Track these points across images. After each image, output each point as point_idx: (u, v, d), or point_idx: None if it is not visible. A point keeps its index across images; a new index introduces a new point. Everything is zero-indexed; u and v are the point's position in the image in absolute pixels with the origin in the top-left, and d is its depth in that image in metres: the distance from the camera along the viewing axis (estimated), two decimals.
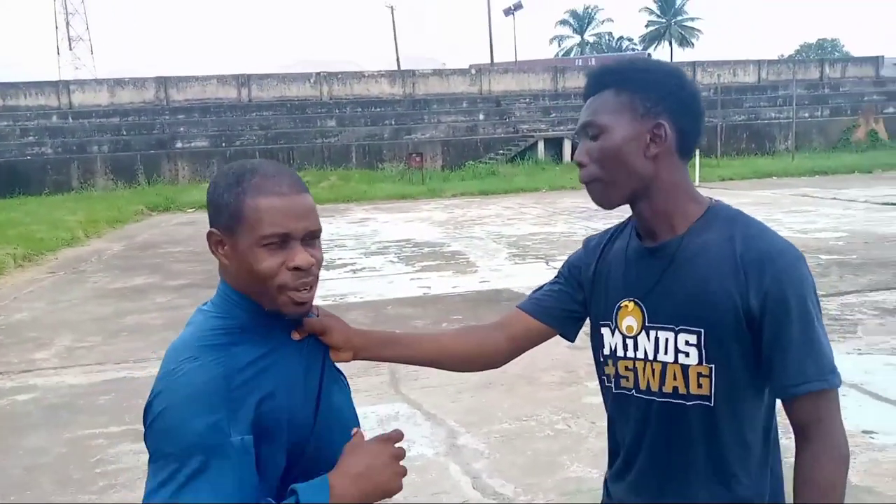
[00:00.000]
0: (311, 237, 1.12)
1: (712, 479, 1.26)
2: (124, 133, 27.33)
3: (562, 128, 28.72)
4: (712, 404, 1.23)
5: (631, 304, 1.30)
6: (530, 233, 12.43)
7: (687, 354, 1.23)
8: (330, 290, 8.11)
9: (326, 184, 22.82)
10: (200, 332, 1.12)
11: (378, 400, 4.57)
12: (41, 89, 28.73)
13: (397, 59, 44.99)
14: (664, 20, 65.37)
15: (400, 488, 1.15)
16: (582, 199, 17.30)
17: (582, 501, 3.23)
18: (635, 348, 1.29)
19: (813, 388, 1.18)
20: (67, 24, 59.31)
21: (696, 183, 23.33)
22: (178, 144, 26.63)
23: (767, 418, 1.29)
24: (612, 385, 1.35)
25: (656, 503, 1.32)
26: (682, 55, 62.10)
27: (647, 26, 67.22)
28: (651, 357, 1.27)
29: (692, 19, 66.18)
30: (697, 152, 22.83)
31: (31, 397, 5.12)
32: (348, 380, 1.32)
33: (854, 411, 4.14)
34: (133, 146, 26.25)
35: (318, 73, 31.27)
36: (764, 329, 1.19)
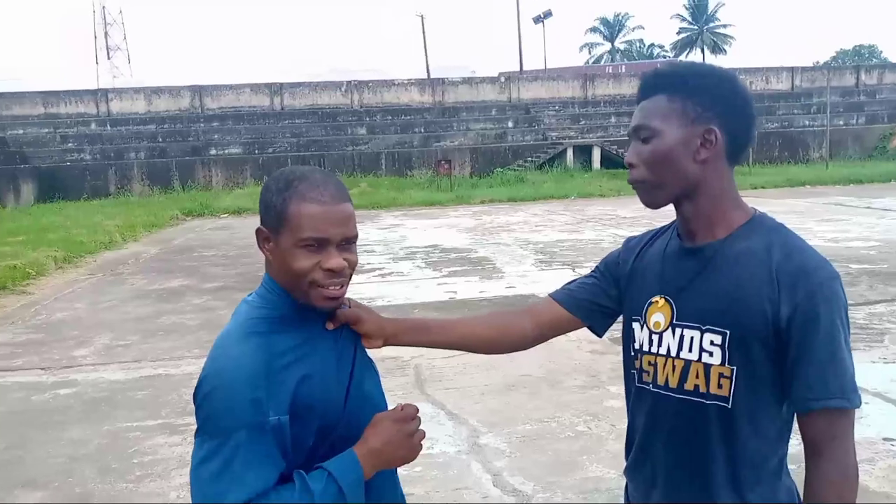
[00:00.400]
0: (348, 242, 1.24)
1: (724, 481, 1.27)
2: (160, 140, 27.97)
3: (591, 135, 28.70)
4: (730, 406, 1.24)
5: (661, 301, 1.33)
6: (558, 240, 12.48)
7: (711, 354, 1.25)
8: (359, 294, 8.27)
9: (357, 191, 23.06)
10: (245, 321, 1.25)
11: (403, 399, 4.68)
12: (80, 97, 29.55)
13: (427, 68, 45.32)
14: (696, 27, 64.80)
15: (415, 457, 1.27)
16: (610, 207, 17.29)
17: (600, 501, 3.31)
18: (659, 344, 1.32)
19: (832, 405, 1.19)
20: (106, 33, 60.85)
21: None
22: (213, 151, 27.18)
23: (784, 431, 1.29)
24: (636, 379, 1.39)
25: (669, 503, 1.33)
26: (713, 62, 61.45)
27: (678, 33, 66.71)
28: (674, 354, 1.30)
29: (724, 26, 65.54)
30: None
31: (72, 391, 5.35)
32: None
33: (876, 419, 4.15)
34: (168, 153, 26.86)
35: (348, 82, 31.67)
36: (791, 341, 1.20)
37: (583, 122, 29.76)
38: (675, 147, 1.26)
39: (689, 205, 1.30)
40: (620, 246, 1.52)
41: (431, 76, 38.84)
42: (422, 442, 1.27)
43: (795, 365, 1.21)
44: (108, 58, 60.95)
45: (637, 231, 1.57)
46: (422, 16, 45.30)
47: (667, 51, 70.31)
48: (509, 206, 19.98)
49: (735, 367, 1.24)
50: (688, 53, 65.69)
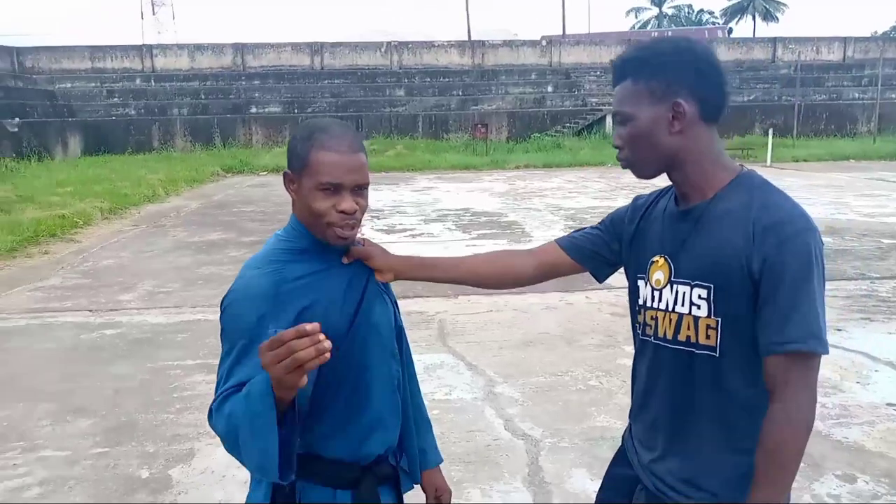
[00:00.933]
0: (360, 188, 1.41)
1: (716, 425, 1.36)
2: (202, 97, 28.44)
3: None
4: (717, 355, 1.33)
5: (661, 260, 1.42)
6: (590, 206, 12.52)
7: (699, 307, 1.34)
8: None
9: (392, 152, 23.25)
10: (269, 250, 1.46)
11: (426, 350, 4.94)
12: (126, 52, 30.11)
13: (468, 30, 44.85)
14: None
15: (289, 385, 1.17)
16: None
17: (604, 447, 3.50)
18: (659, 300, 1.42)
19: (790, 349, 1.24)
20: None
21: (768, 164, 22.29)
22: (253, 109, 27.57)
23: None
24: (640, 332, 1.49)
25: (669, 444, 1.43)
26: (765, 30, 59.58)
27: None
28: (670, 308, 1.39)
29: None
30: (771, 131, 21.83)
31: (117, 332, 5.71)
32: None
33: (884, 386, 4.26)
34: (210, 110, 27.32)
35: (388, 43, 31.64)
36: (760, 290, 1.27)
37: None
38: (648, 126, 1.36)
39: (676, 173, 1.41)
40: (629, 203, 1.61)
41: (472, 38, 38.46)
42: (301, 368, 1.13)
43: (762, 311, 1.27)
44: (154, 13, 61.55)
45: None
46: None
47: (716, 17, 68.27)
48: (544, 172, 19.97)
49: (720, 319, 1.32)
50: (738, 20, 63.73)
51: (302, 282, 1.40)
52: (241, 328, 1.36)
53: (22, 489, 3.26)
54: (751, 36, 51.04)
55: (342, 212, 1.38)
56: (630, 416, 1.60)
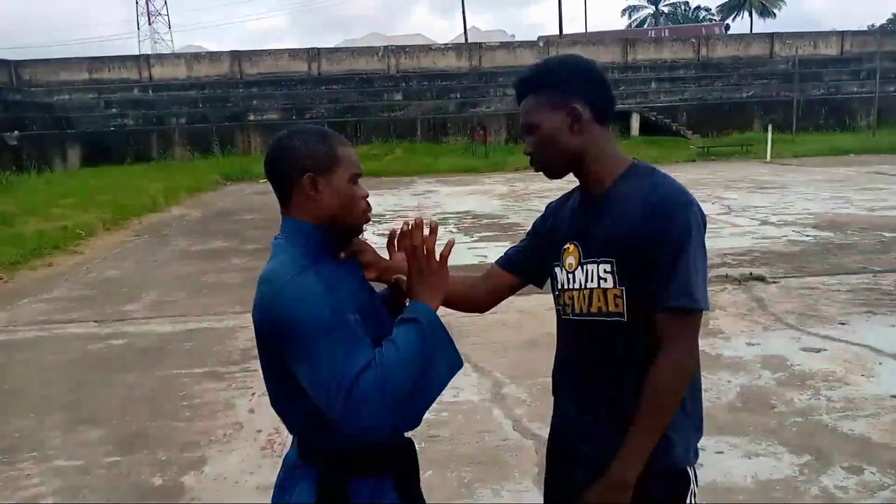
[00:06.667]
0: None
1: (633, 386, 1.47)
2: (200, 105, 28.49)
3: (630, 101, 28.35)
4: (625, 320, 1.49)
5: (572, 246, 1.60)
6: None
7: (605, 280, 1.51)
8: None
9: (392, 157, 23.31)
10: (290, 257, 1.44)
11: None
12: (124, 63, 30.19)
13: (465, 32, 44.95)
14: None
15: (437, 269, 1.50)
16: None
17: None
18: (573, 281, 1.59)
19: (670, 304, 1.42)
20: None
21: (768, 160, 22.33)
22: (251, 117, 27.63)
23: None
24: (562, 313, 1.65)
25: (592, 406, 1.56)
26: (762, 26, 59.64)
27: None
28: (583, 286, 1.56)
29: None
30: (770, 127, 21.91)
31: (124, 342, 5.74)
32: None
33: (887, 378, 4.28)
34: (209, 118, 27.37)
35: (385, 47, 31.73)
36: (649, 258, 1.44)
37: (622, 88, 29.33)
38: (552, 131, 1.55)
39: (579, 168, 1.58)
40: (545, 211, 1.79)
41: (470, 40, 38.51)
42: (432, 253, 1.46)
43: (650, 277, 1.45)
44: (150, 23, 61.75)
45: None
46: None
47: (713, 14, 68.37)
48: None
49: (623, 288, 1.49)
50: (735, 17, 63.80)
51: (334, 278, 1.44)
52: (325, 324, 1.34)
53: (37, 498, 3.29)
54: (748, 32, 51.11)
55: (364, 196, 1.52)
56: (556, 398, 1.72)
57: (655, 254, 1.44)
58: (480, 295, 1.83)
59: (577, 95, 1.53)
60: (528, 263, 1.79)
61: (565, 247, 1.62)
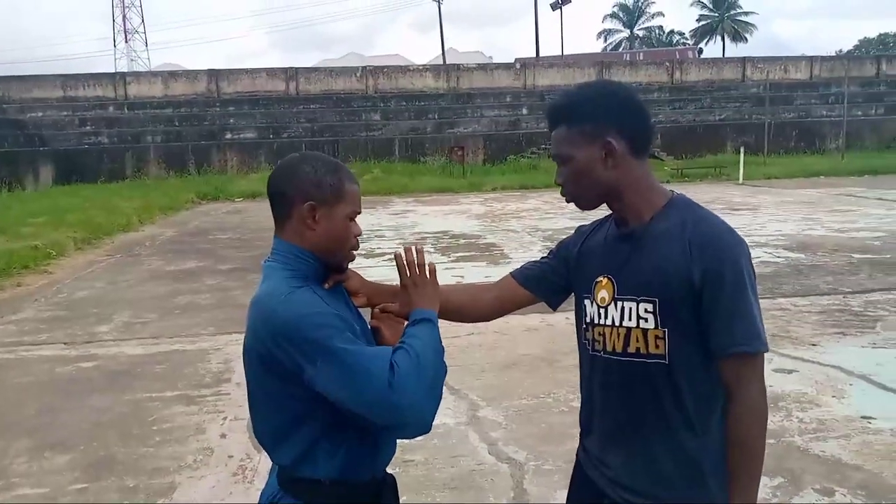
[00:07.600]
0: None
1: (667, 431, 1.46)
2: (176, 124, 28.30)
3: None
4: (667, 362, 1.44)
5: (605, 280, 1.54)
6: (567, 227, 12.62)
7: (646, 320, 1.45)
8: (369, 277, 8.48)
9: (369, 176, 23.27)
10: (282, 279, 1.44)
11: None
12: (99, 81, 29.90)
13: (443, 54, 45.32)
14: (717, 14, 64.18)
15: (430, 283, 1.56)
16: None
17: None
18: (606, 316, 1.52)
19: (738, 351, 1.40)
20: (124, 17, 61.29)
21: (741, 181, 22.67)
22: (228, 136, 27.49)
23: (717, 387, 1.45)
24: (590, 348, 1.58)
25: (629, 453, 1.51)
26: (734, 50, 60.88)
27: (698, 20, 66.15)
28: (617, 323, 1.49)
29: (746, 13, 64.90)
30: (742, 150, 22.32)
31: (93, 365, 5.62)
32: None
33: (857, 398, 4.33)
34: (185, 137, 27.18)
35: (363, 67, 31.82)
36: (703, 299, 1.40)
37: None
38: (585, 164, 1.49)
39: (615, 202, 1.54)
40: (574, 233, 1.74)
41: (447, 62, 38.82)
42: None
43: (708, 319, 1.41)
44: (126, 41, 61.41)
45: None
46: (439, 1, 45.26)
47: (686, 38, 69.69)
48: (521, 193, 20.13)
49: (667, 329, 1.44)
50: (707, 41, 65.14)
51: (328, 297, 1.46)
52: (335, 324, 1.37)
53: None
54: (721, 56, 52.15)
55: (357, 236, 1.53)
56: (582, 432, 1.68)
57: (711, 296, 1.40)
58: (483, 305, 1.78)
59: (612, 127, 1.47)
60: (547, 283, 1.73)
61: (598, 279, 1.56)
